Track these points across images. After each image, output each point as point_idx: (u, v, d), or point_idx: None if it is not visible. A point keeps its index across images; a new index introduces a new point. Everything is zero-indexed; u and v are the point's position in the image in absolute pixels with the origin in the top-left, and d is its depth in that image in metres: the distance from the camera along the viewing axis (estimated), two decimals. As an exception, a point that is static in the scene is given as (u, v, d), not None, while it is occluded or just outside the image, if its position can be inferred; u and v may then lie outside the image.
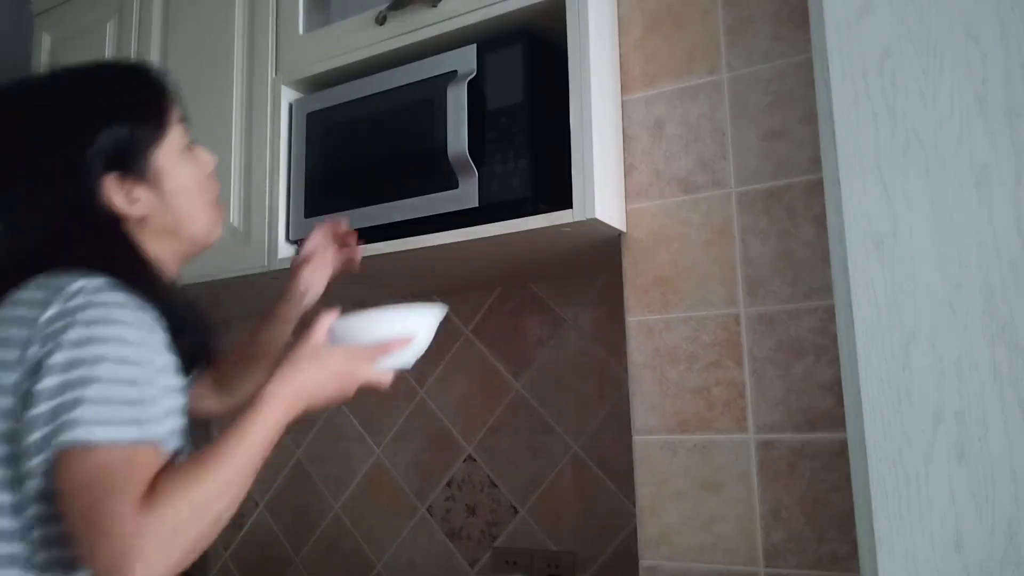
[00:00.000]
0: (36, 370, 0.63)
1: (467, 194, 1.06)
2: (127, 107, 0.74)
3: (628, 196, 1.05)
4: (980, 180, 0.64)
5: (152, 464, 0.62)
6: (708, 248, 0.98)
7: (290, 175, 1.26)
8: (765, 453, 0.91)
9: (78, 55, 1.65)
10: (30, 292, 0.68)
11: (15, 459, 0.64)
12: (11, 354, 0.65)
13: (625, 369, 1.05)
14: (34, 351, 0.64)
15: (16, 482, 0.64)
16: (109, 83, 0.76)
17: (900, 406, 0.64)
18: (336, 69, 1.23)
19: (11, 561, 0.64)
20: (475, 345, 1.43)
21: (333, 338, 0.77)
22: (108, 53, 1.58)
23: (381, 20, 1.18)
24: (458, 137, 1.06)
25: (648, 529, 0.97)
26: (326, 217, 1.18)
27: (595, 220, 0.98)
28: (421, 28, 1.14)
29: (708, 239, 0.98)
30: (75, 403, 0.61)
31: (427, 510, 1.44)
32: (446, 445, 1.44)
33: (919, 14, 0.68)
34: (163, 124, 0.76)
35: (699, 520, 0.94)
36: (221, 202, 0.87)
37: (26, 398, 0.63)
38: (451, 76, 1.09)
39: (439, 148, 1.08)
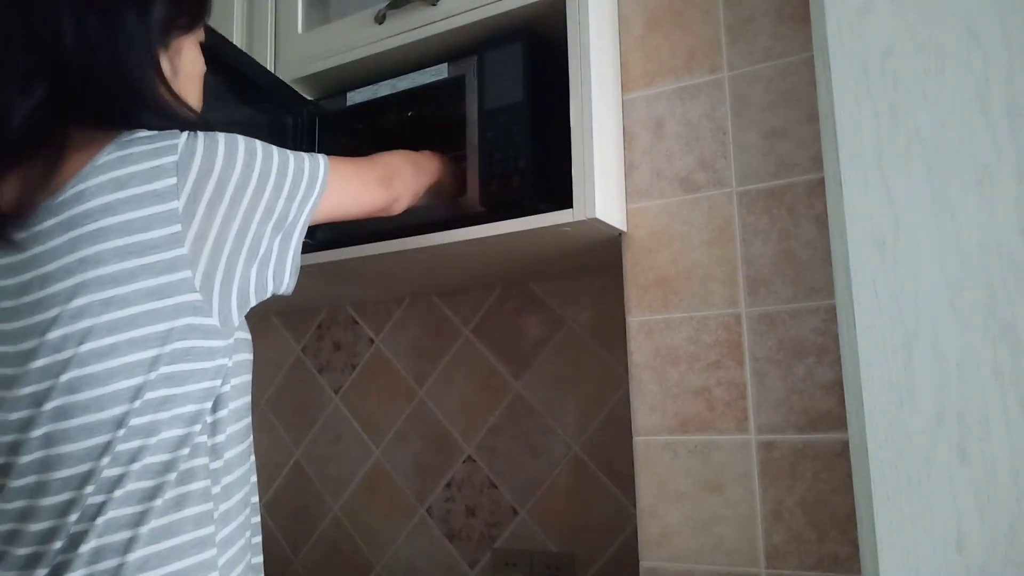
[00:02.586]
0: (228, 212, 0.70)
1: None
2: None
3: (629, 195, 1.05)
4: (982, 179, 0.64)
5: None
6: (709, 248, 0.98)
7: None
8: (766, 454, 0.91)
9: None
10: (132, 158, 0.68)
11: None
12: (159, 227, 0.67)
13: (625, 369, 1.05)
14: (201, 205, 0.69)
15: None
16: None
17: (901, 406, 0.64)
18: (335, 68, 1.23)
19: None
20: (475, 345, 1.43)
21: None
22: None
23: (380, 19, 1.17)
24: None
25: (649, 530, 0.96)
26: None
27: (595, 220, 0.97)
28: (420, 27, 1.14)
29: (709, 239, 0.98)
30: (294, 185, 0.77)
31: (426, 511, 1.44)
32: (445, 446, 1.43)
33: (920, 13, 0.68)
34: (200, 18, 0.82)
35: (700, 521, 0.93)
36: None
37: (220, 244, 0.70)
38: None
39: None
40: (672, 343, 0.98)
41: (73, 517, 0.65)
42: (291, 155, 0.76)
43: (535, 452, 1.33)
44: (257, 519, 0.79)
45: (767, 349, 0.92)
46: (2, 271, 0.70)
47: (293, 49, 1.29)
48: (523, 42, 1.05)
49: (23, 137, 0.70)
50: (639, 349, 1.01)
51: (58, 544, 0.64)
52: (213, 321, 0.70)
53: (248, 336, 0.78)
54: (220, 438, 0.72)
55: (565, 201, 0.99)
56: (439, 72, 1.12)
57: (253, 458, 0.79)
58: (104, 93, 0.72)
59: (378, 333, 1.55)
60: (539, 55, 1.06)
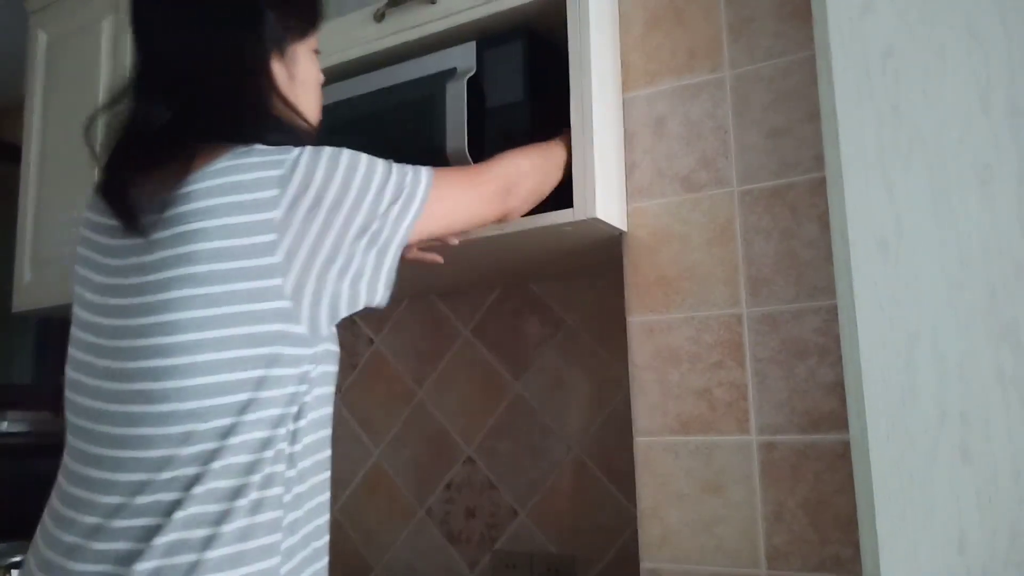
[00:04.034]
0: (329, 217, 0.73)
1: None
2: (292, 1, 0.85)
3: (629, 195, 1.04)
4: (983, 179, 0.64)
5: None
6: (710, 247, 0.98)
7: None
8: (767, 455, 0.91)
9: (74, 53, 1.64)
10: (239, 171, 0.72)
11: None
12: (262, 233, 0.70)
13: (626, 370, 1.04)
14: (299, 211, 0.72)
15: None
16: None
17: (903, 407, 0.64)
18: (334, 66, 1.23)
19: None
20: (475, 346, 1.42)
21: None
22: (104, 51, 1.58)
23: (379, 17, 1.17)
24: (457, 135, 1.05)
25: (649, 531, 0.96)
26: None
27: (596, 219, 0.97)
28: (420, 25, 1.13)
29: (710, 238, 0.98)
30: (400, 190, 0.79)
31: (426, 512, 1.44)
32: (445, 447, 1.43)
33: (921, 12, 0.68)
34: (314, 22, 0.86)
35: (701, 522, 0.93)
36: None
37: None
38: (450, 73, 1.09)
39: (438, 147, 1.08)
40: (673, 343, 0.98)
41: (144, 500, 0.67)
42: (394, 170, 0.78)
43: (535, 453, 1.33)
44: (325, 539, 0.80)
45: (768, 349, 0.92)
46: (128, 251, 0.74)
47: (292, 48, 1.28)
48: (523, 40, 1.05)
49: (159, 144, 0.76)
50: (640, 349, 1.00)
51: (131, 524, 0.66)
52: (302, 329, 0.72)
53: (336, 348, 0.79)
54: (297, 447, 0.74)
55: (565, 201, 0.99)
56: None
57: (328, 474, 0.80)
58: (217, 112, 0.77)
59: (377, 333, 1.55)
60: (539, 54, 1.06)
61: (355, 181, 0.74)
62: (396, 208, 0.77)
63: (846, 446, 0.85)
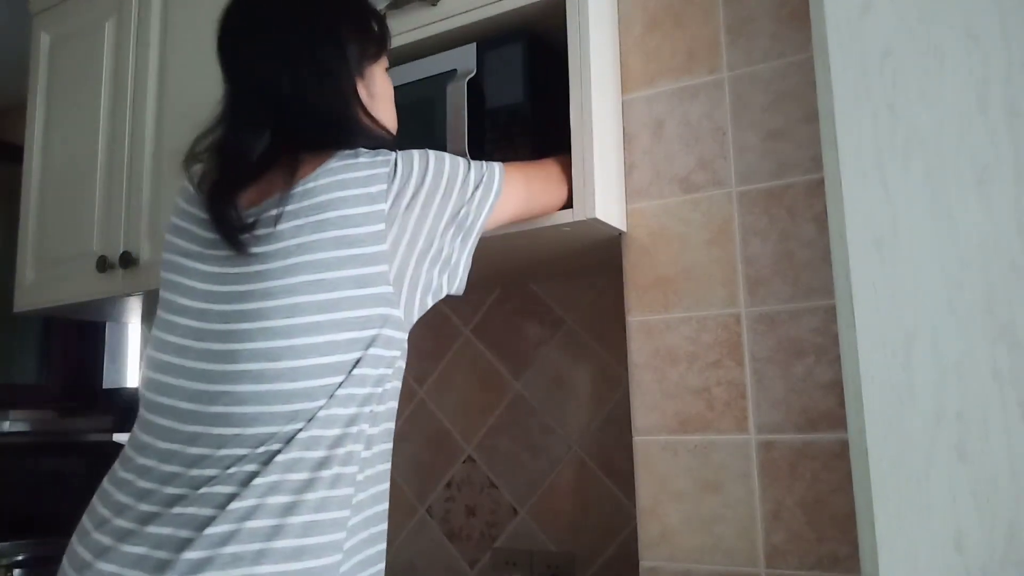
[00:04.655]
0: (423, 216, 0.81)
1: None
2: (365, 17, 0.92)
3: (628, 196, 1.05)
4: (981, 179, 0.64)
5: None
6: (709, 248, 0.98)
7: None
8: (766, 453, 0.91)
9: (77, 55, 1.65)
10: (338, 178, 0.79)
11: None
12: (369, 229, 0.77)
13: (625, 369, 1.05)
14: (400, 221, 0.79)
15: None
16: (357, 3, 0.93)
17: (901, 406, 0.64)
18: (335, 69, 1.23)
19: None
20: (475, 345, 1.43)
21: None
22: (107, 52, 1.58)
23: (381, 19, 1.17)
24: (458, 136, 1.06)
25: (648, 530, 0.97)
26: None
27: (595, 220, 0.98)
28: (421, 27, 1.14)
29: (709, 239, 0.98)
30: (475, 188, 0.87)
31: (426, 511, 1.44)
32: (445, 445, 1.44)
33: (920, 13, 0.68)
34: (384, 45, 0.94)
35: (700, 521, 0.94)
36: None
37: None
38: (450, 75, 1.09)
39: (438, 148, 1.08)
40: (672, 343, 0.99)
41: (235, 470, 0.71)
42: (472, 164, 0.87)
43: (535, 452, 1.33)
44: (384, 525, 0.82)
45: (767, 349, 0.93)
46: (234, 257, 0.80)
47: (293, 49, 1.29)
48: (523, 42, 1.05)
49: (260, 166, 0.83)
50: (639, 349, 1.01)
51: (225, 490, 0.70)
52: (399, 313, 0.79)
53: (405, 343, 0.83)
54: (375, 430, 0.78)
55: (565, 201, 1.00)
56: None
57: (389, 466, 0.82)
58: (319, 125, 0.84)
59: (378, 333, 1.55)
60: (539, 55, 1.06)
61: (444, 173, 0.83)
62: (479, 193, 0.86)
63: (844, 445, 0.86)
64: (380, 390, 0.78)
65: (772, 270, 0.94)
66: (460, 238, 0.85)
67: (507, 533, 1.34)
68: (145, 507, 0.72)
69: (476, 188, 0.86)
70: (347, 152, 0.81)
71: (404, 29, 1.15)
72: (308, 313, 0.74)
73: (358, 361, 0.75)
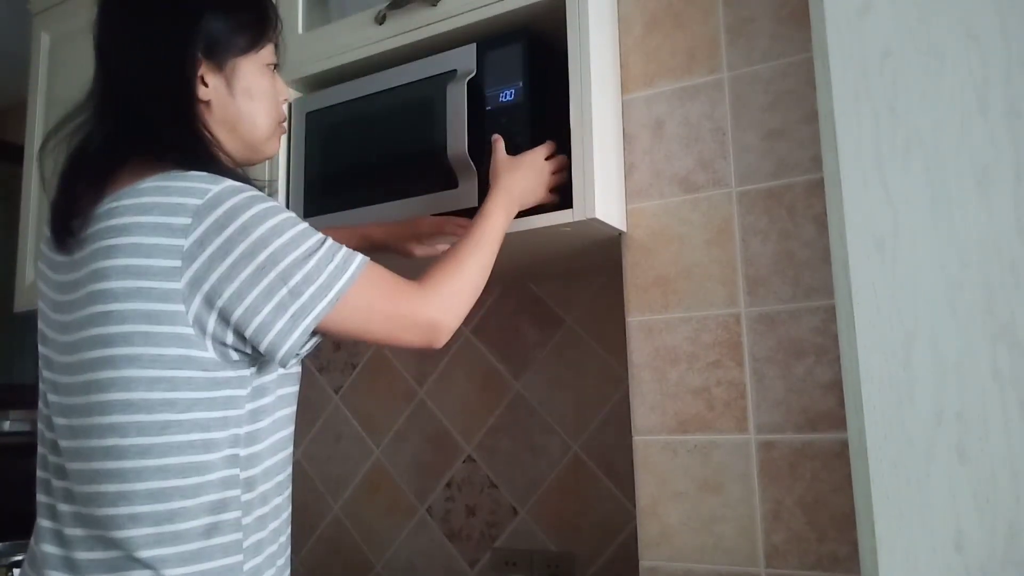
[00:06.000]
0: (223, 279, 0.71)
1: (467, 194, 1.06)
2: (234, 8, 0.83)
3: (628, 196, 1.05)
4: (981, 180, 0.64)
5: (384, 270, 0.79)
6: (708, 248, 0.98)
7: (289, 175, 1.26)
8: (766, 453, 0.91)
9: (78, 54, 1.65)
10: (153, 195, 0.72)
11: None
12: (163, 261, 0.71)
13: (625, 369, 1.05)
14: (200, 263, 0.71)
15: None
16: None
17: (901, 406, 0.64)
18: (335, 68, 1.23)
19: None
20: (475, 345, 1.43)
21: None
22: (107, 53, 1.58)
23: (380, 19, 1.18)
24: (458, 137, 1.06)
25: (648, 530, 0.97)
26: (327, 217, 1.18)
27: (595, 220, 0.98)
28: (421, 27, 1.14)
29: (708, 239, 0.98)
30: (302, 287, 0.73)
31: (427, 511, 1.44)
32: (446, 445, 1.44)
33: (920, 13, 0.68)
34: (259, 37, 0.84)
35: (699, 521, 0.94)
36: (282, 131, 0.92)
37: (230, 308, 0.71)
38: (451, 75, 1.09)
39: (439, 148, 1.08)
40: (671, 343, 0.99)
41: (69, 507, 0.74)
42: (322, 250, 0.74)
43: (535, 452, 1.33)
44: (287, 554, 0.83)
45: (766, 349, 0.93)
46: (61, 268, 0.77)
47: (293, 49, 1.29)
48: (523, 42, 1.05)
49: (99, 158, 0.77)
50: (639, 349, 1.01)
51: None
52: (211, 355, 0.72)
53: (291, 371, 0.80)
54: (255, 471, 0.76)
55: (565, 201, 1.00)
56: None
57: (289, 491, 0.82)
58: (145, 123, 0.77)
59: (378, 333, 1.55)
60: (539, 56, 1.06)
61: (270, 244, 0.71)
62: (314, 285, 0.72)
63: (844, 445, 0.86)
64: (224, 434, 0.73)
65: (772, 270, 0.94)
66: (288, 316, 0.72)
67: (507, 533, 1.34)
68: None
69: (308, 281, 0.72)
70: (175, 172, 0.73)
71: (404, 29, 1.15)
72: (103, 346, 0.70)
73: (171, 404, 0.71)
